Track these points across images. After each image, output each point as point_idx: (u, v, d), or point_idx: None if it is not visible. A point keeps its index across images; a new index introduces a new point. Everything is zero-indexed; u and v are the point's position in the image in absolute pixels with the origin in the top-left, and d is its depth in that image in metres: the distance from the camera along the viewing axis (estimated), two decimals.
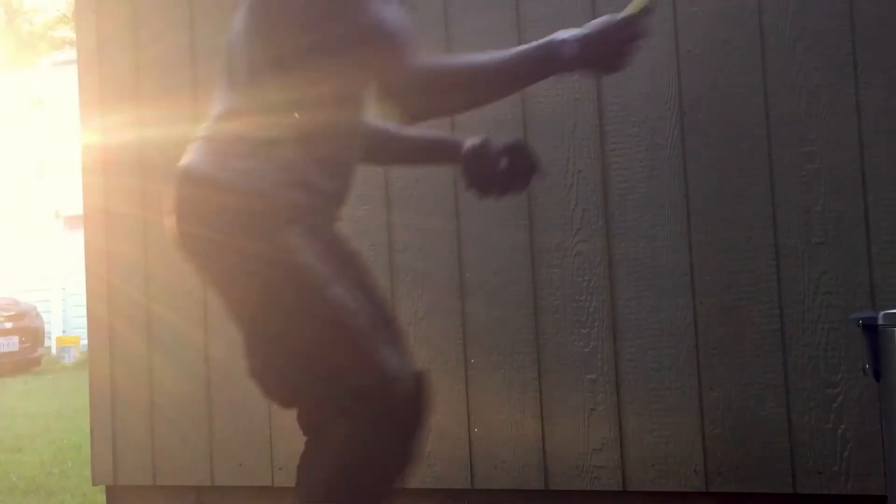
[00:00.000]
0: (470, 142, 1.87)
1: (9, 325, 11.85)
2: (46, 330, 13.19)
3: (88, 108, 3.41)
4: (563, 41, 1.62)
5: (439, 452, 2.81)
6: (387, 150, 1.93)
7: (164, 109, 3.28)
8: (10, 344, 11.77)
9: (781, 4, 2.58)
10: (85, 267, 3.39)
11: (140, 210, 3.28)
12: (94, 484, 3.35)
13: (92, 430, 3.32)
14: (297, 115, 1.64)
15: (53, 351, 13.56)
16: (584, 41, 1.62)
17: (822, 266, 2.52)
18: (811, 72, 2.55)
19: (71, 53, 13.66)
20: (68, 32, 23.04)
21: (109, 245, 3.34)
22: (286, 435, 3.04)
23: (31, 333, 12.13)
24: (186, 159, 1.68)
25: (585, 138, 2.74)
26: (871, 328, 2.00)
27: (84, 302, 3.48)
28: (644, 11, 1.65)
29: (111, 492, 3.31)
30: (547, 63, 1.65)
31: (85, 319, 3.47)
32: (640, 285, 2.68)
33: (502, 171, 1.86)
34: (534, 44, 1.64)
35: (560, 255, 2.76)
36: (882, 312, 1.99)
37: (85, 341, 4.17)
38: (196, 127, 1.76)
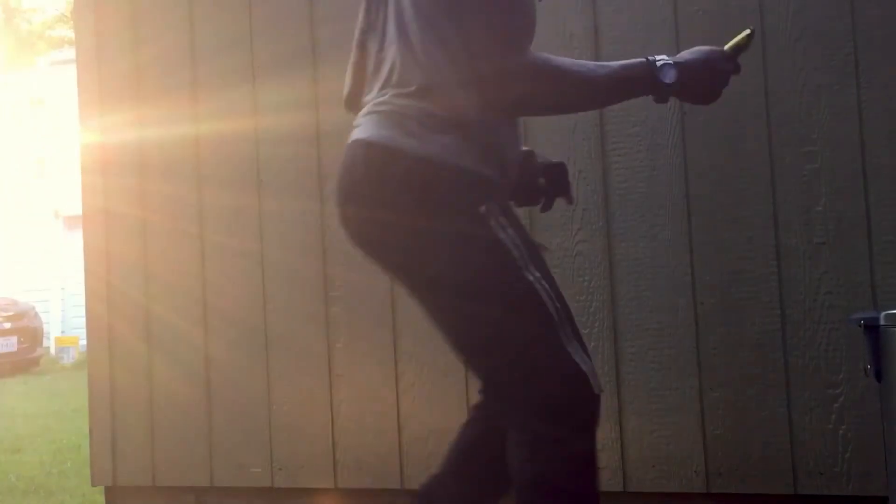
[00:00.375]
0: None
1: (7, 325, 11.84)
2: (45, 330, 13.20)
3: (88, 108, 3.40)
4: (663, 65, 1.58)
5: (440, 453, 2.79)
6: None
7: (163, 109, 3.28)
8: (9, 344, 11.76)
9: (781, 4, 2.57)
10: (84, 267, 3.38)
11: (139, 210, 3.28)
12: (93, 484, 3.34)
13: (91, 431, 3.31)
14: None
15: (52, 351, 13.56)
16: (682, 67, 1.59)
17: (823, 266, 2.52)
18: (811, 72, 2.55)
19: (70, 53, 13.65)
20: (67, 31, 23.04)
21: (109, 245, 3.34)
22: (286, 435, 3.04)
23: (30, 334, 12.12)
24: (369, 132, 1.61)
25: (586, 138, 2.74)
26: (872, 328, 2.00)
27: (83, 302, 3.47)
28: (749, 38, 1.66)
29: (110, 492, 3.30)
30: (644, 84, 1.60)
31: (84, 320, 3.46)
32: (641, 285, 2.68)
33: (538, 186, 1.85)
34: (628, 63, 1.60)
35: (560, 255, 2.75)
36: (884, 313, 1.98)
37: (84, 342, 4.16)
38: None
